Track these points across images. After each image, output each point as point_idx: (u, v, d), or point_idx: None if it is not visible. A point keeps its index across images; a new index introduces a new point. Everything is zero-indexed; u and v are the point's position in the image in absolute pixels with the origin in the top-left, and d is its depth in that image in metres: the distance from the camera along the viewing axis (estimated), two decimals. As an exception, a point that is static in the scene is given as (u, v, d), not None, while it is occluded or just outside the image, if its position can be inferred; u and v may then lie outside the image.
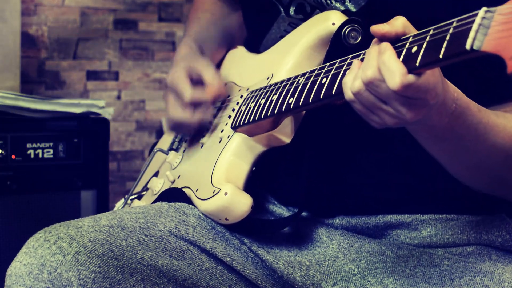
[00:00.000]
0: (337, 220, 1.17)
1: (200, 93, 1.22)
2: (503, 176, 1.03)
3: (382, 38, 0.87)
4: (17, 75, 2.43)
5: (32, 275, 0.96)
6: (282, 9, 1.20)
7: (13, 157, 2.06)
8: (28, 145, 2.08)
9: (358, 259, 1.12)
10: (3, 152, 2.03)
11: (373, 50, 0.87)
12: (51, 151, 2.11)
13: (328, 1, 1.14)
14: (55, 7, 2.88)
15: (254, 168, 1.14)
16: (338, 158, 1.15)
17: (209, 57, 1.36)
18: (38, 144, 2.09)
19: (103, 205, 2.17)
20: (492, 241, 1.12)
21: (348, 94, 0.89)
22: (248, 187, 1.13)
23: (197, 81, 1.25)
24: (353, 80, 0.88)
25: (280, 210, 1.22)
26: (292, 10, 1.19)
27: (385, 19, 0.89)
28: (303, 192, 1.15)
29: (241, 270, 1.11)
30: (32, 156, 2.08)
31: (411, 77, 0.81)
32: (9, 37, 2.40)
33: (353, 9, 1.12)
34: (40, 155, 2.09)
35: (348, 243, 1.15)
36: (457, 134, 0.94)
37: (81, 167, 2.15)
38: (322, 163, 1.15)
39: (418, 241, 1.13)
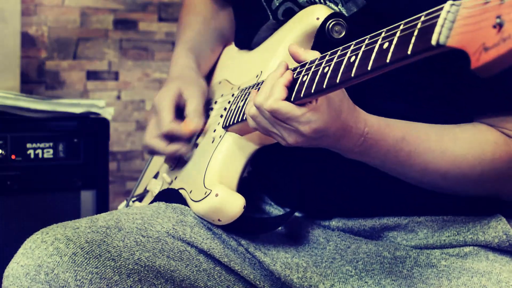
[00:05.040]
0: (333, 222, 1.17)
1: (178, 127, 1.22)
2: (448, 191, 1.09)
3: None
4: (17, 75, 2.42)
5: (29, 276, 0.96)
6: (270, 13, 1.20)
7: (13, 157, 2.05)
8: (28, 145, 2.07)
9: (355, 260, 1.12)
10: (3, 152, 2.03)
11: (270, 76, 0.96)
12: (51, 151, 2.10)
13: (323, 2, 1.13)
14: (55, 7, 2.88)
15: (249, 169, 1.14)
16: (333, 159, 1.15)
17: (204, 64, 1.37)
18: (38, 144, 2.09)
19: (103, 205, 2.16)
20: (489, 242, 1.12)
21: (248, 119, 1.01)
22: (243, 187, 1.12)
23: (183, 108, 1.26)
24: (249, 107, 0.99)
25: (277, 212, 1.22)
26: (280, 14, 1.19)
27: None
28: (296, 192, 1.15)
29: (239, 270, 1.11)
30: (32, 156, 2.08)
31: (283, 104, 0.91)
32: (9, 37, 2.40)
33: (346, 13, 1.11)
34: (40, 155, 2.09)
35: (345, 244, 1.15)
36: (377, 159, 1.02)
37: (81, 167, 2.14)
38: (316, 164, 1.15)
39: (414, 243, 1.13)
